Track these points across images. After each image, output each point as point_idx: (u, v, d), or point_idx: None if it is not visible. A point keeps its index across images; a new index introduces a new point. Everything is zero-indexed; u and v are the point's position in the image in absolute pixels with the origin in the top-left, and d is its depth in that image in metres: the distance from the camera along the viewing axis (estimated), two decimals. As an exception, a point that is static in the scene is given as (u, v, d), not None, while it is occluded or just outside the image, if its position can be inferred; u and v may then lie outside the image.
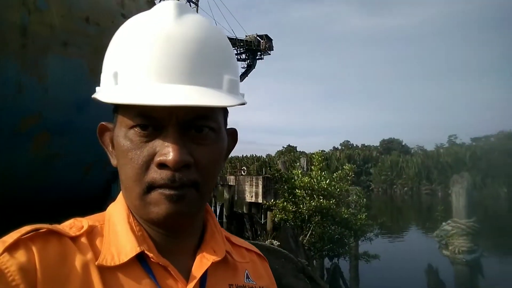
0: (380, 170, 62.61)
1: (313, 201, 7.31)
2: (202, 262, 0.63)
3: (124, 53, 0.59)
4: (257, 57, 37.09)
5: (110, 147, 0.67)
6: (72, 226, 0.61)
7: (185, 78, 0.57)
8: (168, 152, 0.56)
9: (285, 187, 7.77)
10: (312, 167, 8.29)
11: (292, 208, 7.20)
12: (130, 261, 0.59)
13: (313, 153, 8.67)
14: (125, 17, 3.57)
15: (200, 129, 0.60)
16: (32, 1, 3.00)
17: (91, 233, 0.62)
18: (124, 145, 0.60)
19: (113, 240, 0.61)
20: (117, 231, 0.62)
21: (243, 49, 35.98)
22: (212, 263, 0.64)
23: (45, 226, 0.57)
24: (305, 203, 7.34)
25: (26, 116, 2.99)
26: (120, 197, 0.67)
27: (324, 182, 7.62)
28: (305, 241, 7.24)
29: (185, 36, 0.58)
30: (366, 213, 7.85)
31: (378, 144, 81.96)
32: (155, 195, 0.58)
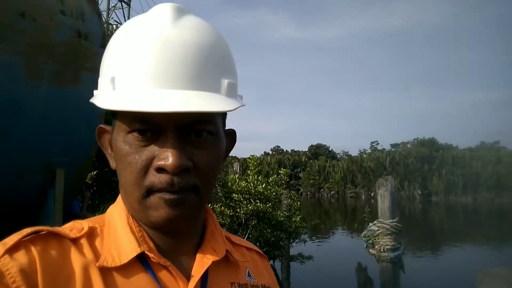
0: (308, 175, 64.75)
1: (250, 205, 7.40)
2: (202, 262, 0.64)
3: (122, 57, 0.59)
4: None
5: (109, 150, 0.67)
6: (72, 228, 0.62)
7: (183, 82, 0.56)
8: (167, 156, 0.57)
9: (221, 191, 7.79)
10: (248, 171, 8.39)
11: (229, 213, 7.23)
12: (131, 262, 0.59)
13: (249, 158, 8.78)
14: (65, 14, 3.41)
15: (199, 133, 0.60)
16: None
17: (91, 234, 0.62)
18: (123, 149, 0.60)
19: (113, 241, 0.61)
20: (117, 232, 0.62)
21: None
22: (213, 262, 0.65)
23: (45, 228, 0.57)
24: (242, 207, 7.41)
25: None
26: (120, 199, 0.67)
27: (261, 186, 7.75)
28: (242, 244, 7.37)
29: (182, 40, 0.58)
30: (300, 216, 8.12)
31: (307, 149, 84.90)
32: (154, 199, 0.59)
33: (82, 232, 0.61)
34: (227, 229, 8.25)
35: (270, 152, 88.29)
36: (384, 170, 55.00)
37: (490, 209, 34.24)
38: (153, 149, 0.58)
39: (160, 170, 0.57)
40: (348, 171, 59.87)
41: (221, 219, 7.74)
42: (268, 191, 7.68)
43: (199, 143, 0.60)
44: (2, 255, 0.52)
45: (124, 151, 0.59)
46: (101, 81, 0.62)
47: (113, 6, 28.39)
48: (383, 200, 8.95)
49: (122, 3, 28.99)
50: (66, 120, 3.19)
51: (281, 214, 7.61)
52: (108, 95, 0.59)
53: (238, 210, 7.64)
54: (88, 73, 3.26)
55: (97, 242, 0.61)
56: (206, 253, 0.66)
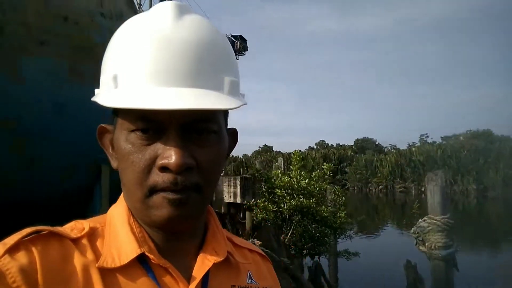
0: (355, 169, 63.59)
1: (294, 200, 7.34)
2: (203, 263, 0.63)
3: (123, 55, 0.59)
4: (232, 58, 36.98)
5: (110, 149, 0.66)
6: (73, 228, 0.61)
7: (185, 81, 0.56)
8: (170, 155, 0.56)
9: (265, 187, 7.79)
10: (291, 166, 8.32)
11: (273, 208, 7.21)
12: (131, 263, 0.59)
13: (292, 153, 8.71)
14: (104, 16, 3.52)
15: (201, 131, 0.60)
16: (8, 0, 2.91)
17: (92, 235, 0.62)
18: (125, 148, 0.59)
19: (113, 241, 0.61)
20: (117, 232, 0.62)
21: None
22: (214, 264, 0.64)
23: (46, 228, 0.57)
24: (286, 202, 7.36)
25: (3, 119, 2.89)
26: (121, 199, 0.66)
27: (304, 181, 7.66)
28: (286, 240, 7.28)
29: (184, 38, 0.58)
30: (345, 211, 7.95)
31: (352, 143, 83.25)
32: (157, 198, 0.58)
33: (83, 232, 0.61)
34: (271, 224, 8.23)
35: (315, 147, 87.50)
36: (435, 164, 52.72)
37: (554, 204, 31.84)
38: (155, 148, 0.58)
39: (163, 169, 0.57)
40: (397, 165, 57.97)
41: (264, 214, 7.73)
42: (312, 186, 7.56)
43: (202, 142, 0.60)
44: (2, 255, 0.52)
45: (127, 150, 0.59)
46: (103, 79, 0.62)
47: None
48: (432, 195, 8.54)
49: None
50: (104, 117, 3.29)
51: (326, 209, 7.47)
52: (110, 93, 0.59)
53: (282, 205, 7.58)
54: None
55: (98, 242, 0.61)
56: (207, 254, 0.65)
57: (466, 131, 59.29)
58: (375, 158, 62.54)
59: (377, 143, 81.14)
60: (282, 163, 14.12)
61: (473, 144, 51.43)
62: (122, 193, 0.65)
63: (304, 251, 7.54)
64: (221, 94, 0.59)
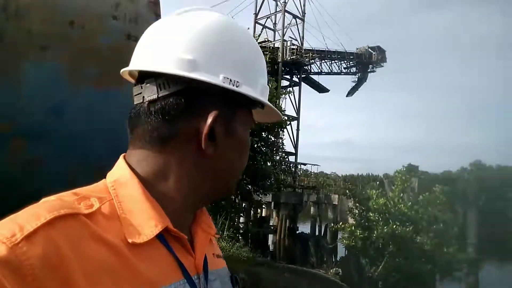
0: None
1: (387, 227, 6.24)
2: (203, 236, 0.70)
3: (246, 60, 0.69)
4: (369, 70, 35.55)
5: (216, 133, 0.67)
6: (81, 201, 0.59)
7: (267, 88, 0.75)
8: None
9: (357, 209, 6.84)
10: (393, 187, 7.18)
11: (361, 234, 6.23)
12: (152, 238, 0.60)
13: (397, 171, 7.53)
14: (116, 18, 3.41)
15: None
16: (13, 4, 2.99)
17: (104, 210, 0.61)
18: (247, 141, 0.71)
19: (130, 217, 0.61)
20: (132, 208, 0.62)
21: (353, 62, 34.88)
22: None
23: (61, 209, 0.54)
24: (378, 229, 6.31)
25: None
26: (125, 170, 0.66)
27: (404, 205, 6.48)
28: (376, 274, 6.16)
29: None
30: (456, 246, 6.40)
31: (518, 165, 71.09)
32: None
33: (95, 208, 0.59)
34: (360, 253, 7.16)
35: (469, 168, 77.57)
36: None
37: None
38: None
39: None
40: None
41: (351, 241, 6.71)
42: (414, 212, 6.31)
43: None
44: (20, 241, 0.48)
45: (247, 144, 0.71)
46: (250, 77, 0.68)
47: (289, 24, 29.73)
48: None
49: (297, 19, 30.13)
50: (111, 123, 3.12)
51: (428, 241, 6.08)
52: (256, 89, 0.68)
53: (375, 232, 6.48)
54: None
55: (114, 218, 0.60)
56: (203, 229, 0.71)
57: None
58: (548, 184, 51.96)
59: (552, 165, 67.30)
60: (417, 185, 12.66)
61: None
62: (119, 164, 0.67)
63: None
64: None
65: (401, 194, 6.64)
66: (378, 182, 7.41)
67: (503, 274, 14.70)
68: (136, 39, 3.41)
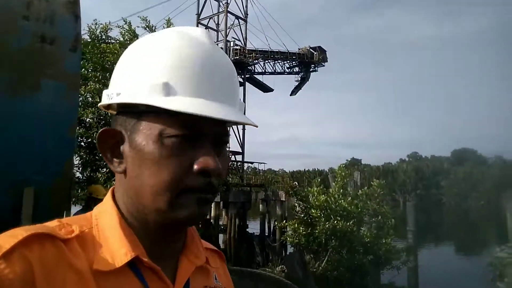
0: (452, 183, 58.20)
1: (328, 223, 6.39)
2: (187, 267, 0.69)
3: (173, 65, 0.63)
4: (311, 70, 36.54)
5: (108, 154, 0.68)
6: (61, 227, 0.62)
7: (225, 98, 0.65)
8: (208, 160, 0.62)
9: (300, 206, 6.94)
10: (334, 183, 7.36)
11: (304, 231, 6.32)
12: (122, 266, 0.61)
13: (338, 168, 7.72)
14: (28, 19, 3.17)
15: (223, 143, 0.68)
16: None
17: (81, 237, 0.62)
18: (155, 152, 0.62)
19: (104, 245, 0.63)
20: (107, 236, 0.64)
21: (295, 62, 35.62)
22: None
23: (39, 229, 0.57)
24: (320, 225, 6.44)
25: None
26: (108, 201, 0.68)
27: (344, 201, 6.66)
28: (320, 269, 6.30)
29: (223, 60, 0.67)
30: (393, 236, 6.71)
31: (449, 154, 76.43)
32: (187, 198, 0.62)
33: (73, 235, 0.61)
34: (305, 249, 7.30)
35: (407, 159, 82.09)
36: (551, 177, 45.70)
37: None
38: (193, 153, 0.63)
39: (201, 173, 0.62)
40: (503, 177, 51.59)
41: (295, 238, 6.83)
42: (353, 206, 6.53)
43: (221, 152, 0.66)
44: None
45: (158, 154, 0.62)
46: (147, 81, 0.63)
47: (232, 24, 29.63)
48: (513, 218, 6.93)
49: (240, 20, 30.08)
50: (25, 133, 2.87)
51: (367, 234, 6.32)
52: (165, 99, 0.62)
53: (318, 228, 6.63)
54: (50, 79, 2.92)
55: (88, 246, 0.62)
56: (190, 258, 0.70)
57: None
58: (476, 171, 56.48)
59: (478, 153, 73.30)
60: (359, 178, 13.08)
61: None
62: (106, 196, 0.69)
63: (343, 283, 6.40)
64: (241, 111, 0.68)
65: (341, 190, 6.83)
66: (319, 179, 7.57)
67: (439, 256, 15.71)
68: (52, 42, 3.20)
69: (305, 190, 7.07)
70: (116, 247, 0.62)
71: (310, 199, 6.87)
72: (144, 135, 0.63)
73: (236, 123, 0.66)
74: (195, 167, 0.62)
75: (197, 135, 0.63)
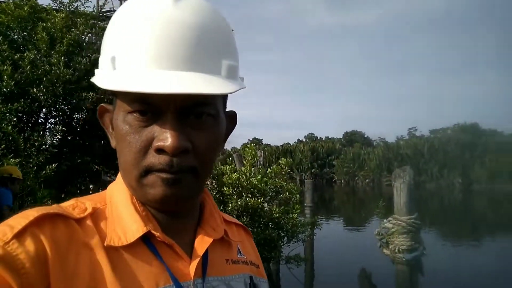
0: (342, 162, 63.32)
1: (240, 200, 6.58)
2: (203, 240, 0.67)
3: (122, 37, 0.59)
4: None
5: (110, 129, 0.68)
6: (75, 207, 0.62)
7: (183, 64, 0.57)
8: (166, 137, 0.58)
9: (213, 184, 7.01)
10: (245, 162, 7.54)
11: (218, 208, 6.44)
12: (135, 242, 0.60)
13: (246, 146, 7.91)
14: None
15: (199, 115, 0.61)
16: None
17: (95, 215, 0.63)
18: (123, 129, 0.61)
19: (117, 221, 0.62)
20: (120, 212, 0.64)
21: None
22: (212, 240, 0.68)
23: (51, 209, 0.57)
24: (232, 202, 6.60)
25: None
26: (120, 178, 0.67)
27: (255, 178, 6.89)
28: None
29: (183, 20, 0.58)
30: (299, 211, 7.19)
31: (341, 136, 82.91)
32: (151, 178, 0.60)
33: (86, 213, 0.61)
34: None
35: (304, 140, 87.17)
36: (422, 158, 52.47)
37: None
38: (153, 130, 0.59)
39: (160, 151, 0.58)
40: (384, 158, 57.69)
41: (208, 216, 7.00)
42: (263, 184, 6.84)
43: (199, 125, 0.61)
44: (10, 240, 0.52)
45: (124, 131, 0.61)
46: (102, 60, 0.62)
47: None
48: (399, 193, 7.84)
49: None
50: None
51: (277, 209, 6.72)
52: (108, 75, 0.59)
53: (230, 205, 6.86)
54: None
55: (102, 222, 0.62)
56: (206, 232, 0.68)
57: (454, 125, 58.93)
58: (363, 152, 62.23)
59: (366, 136, 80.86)
60: (262, 158, 13.47)
61: (460, 138, 51.22)
62: (119, 173, 0.67)
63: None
64: (219, 78, 0.60)
65: (252, 168, 7.08)
66: (230, 158, 7.75)
67: (332, 229, 17.26)
68: None
69: (217, 168, 7.13)
70: (128, 223, 0.62)
71: (223, 177, 6.97)
72: (117, 112, 0.63)
73: (203, 95, 0.58)
74: (153, 144, 0.59)
75: (156, 110, 0.58)
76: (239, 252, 0.75)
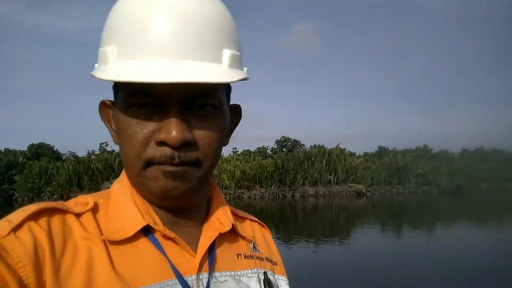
0: (26, 177, 57.26)
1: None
2: (209, 233, 0.66)
3: (121, 28, 0.57)
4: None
5: (111, 125, 0.66)
6: (77, 202, 0.62)
7: (185, 53, 0.55)
8: (168, 130, 0.56)
9: None
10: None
11: None
12: (136, 235, 0.60)
13: None
14: None
15: (202, 106, 0.60)
16: None
17: (96, 209, 0.62)
18: (124, 122, 0.59)
19: (117, 215, 0.62)
20: (121, 206, 0.63)
21: None
22: (220, 234, 0.67)
23: (50, 205, 0.56)
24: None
25: None
26: (124, 174, 0.67)
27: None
28: None
29: (185, 9, 0.57)
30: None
31: (26, 148, 74.70)
32: (152, 171, 0.59)
33: (87, 207, 0.61)
34: None
35: None
36: (113, 172, 54.19)
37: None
38: (155, 122, 0.58)
39: (161, 143, 0.58)
40: (75, 173, 55.87)
41: None
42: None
43: (202, 117, 0.60)
44: (8, 234, 0.52)
45: (125, 124, 0.59)
46: (101, 52, 0.59)
47: None
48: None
49: None
50: None
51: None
52: (107, 67, 0.57)
53: None
54: None
55: (102, 217, 0.61)
56: (212, 225, 0.68)
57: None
58: (51, 166, 58.36)
59: (55, 149, 75.98)
60: None
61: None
62: (123, 168, 0.66)
63: None
64: (221, 67, 0.58)
65: None
66: None
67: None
68: None
69: None
70: (128, 217, 0.61)
71: None
72: (118, 105, 0.61)
73: (203, 84, 0.54)
74: (154, 137, 0.57)
75: (158, 102, 0.57)
76: (254, 247, 0.73)
